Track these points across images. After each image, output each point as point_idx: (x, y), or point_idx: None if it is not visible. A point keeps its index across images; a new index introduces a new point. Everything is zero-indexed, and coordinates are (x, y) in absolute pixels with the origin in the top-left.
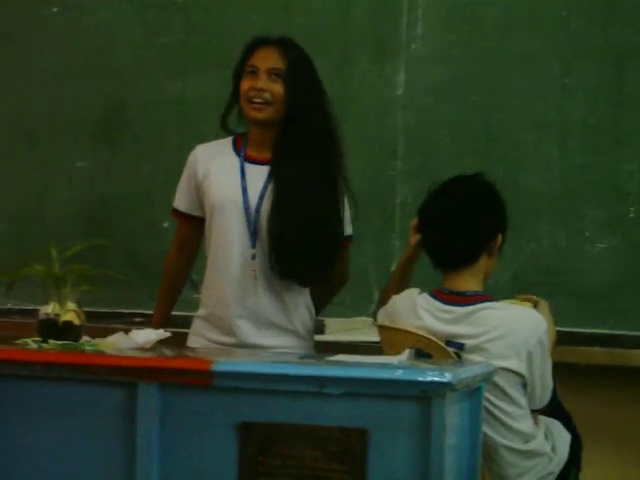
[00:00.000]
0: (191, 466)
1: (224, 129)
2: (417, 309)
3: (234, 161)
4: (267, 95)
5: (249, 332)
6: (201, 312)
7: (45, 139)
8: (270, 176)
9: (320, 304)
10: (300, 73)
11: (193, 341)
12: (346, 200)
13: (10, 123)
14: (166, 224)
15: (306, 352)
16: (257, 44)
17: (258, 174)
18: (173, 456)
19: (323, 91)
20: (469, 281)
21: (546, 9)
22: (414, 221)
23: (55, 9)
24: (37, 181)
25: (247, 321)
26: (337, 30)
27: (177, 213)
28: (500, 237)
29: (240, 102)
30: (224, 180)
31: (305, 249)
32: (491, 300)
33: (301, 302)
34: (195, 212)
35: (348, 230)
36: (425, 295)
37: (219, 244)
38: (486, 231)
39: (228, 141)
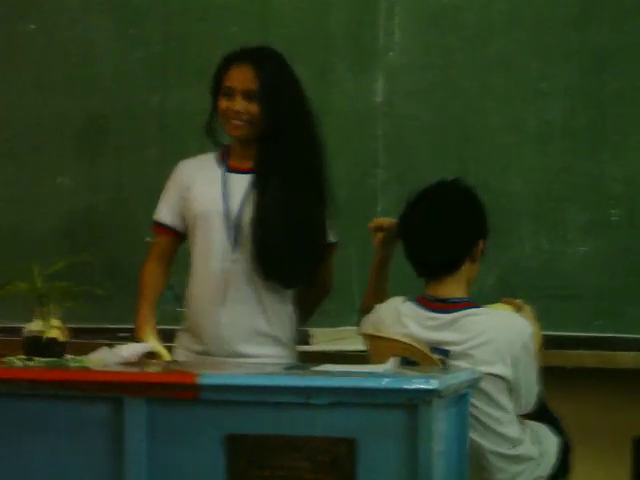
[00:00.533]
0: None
1: (211, 139)
2: (401, 317)
3: (217, 172)
4: (244, 117)
5: (231, 340)
6: (185, 324)
7: (26, 154)
8: (252, 184)
9: (304, 314)
10: (275, 91)
11: (178, 354)
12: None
13: None
14: (149, 238)
15: (291, 362)
16: (231, 61)
17: (240, 182)
18: (162, 470)
19: (302, 97)
20: (453, 288)
21: (523, 13)
22: (372, 222)
23: (33, 26)
24: (18, 197)
25: (230, 328)
26: (315, 40)
27: (160, 226)
28: (482, 242)
29: (221, 120)
30: (206, 190)
31: (287, 250)
32: (475, 306)
33: (284, 310)
34: (178, 225)
35: (331, 237)
36: (409, 303)
37: (201, 253)
38: (467, 238)
39: (211, 155)
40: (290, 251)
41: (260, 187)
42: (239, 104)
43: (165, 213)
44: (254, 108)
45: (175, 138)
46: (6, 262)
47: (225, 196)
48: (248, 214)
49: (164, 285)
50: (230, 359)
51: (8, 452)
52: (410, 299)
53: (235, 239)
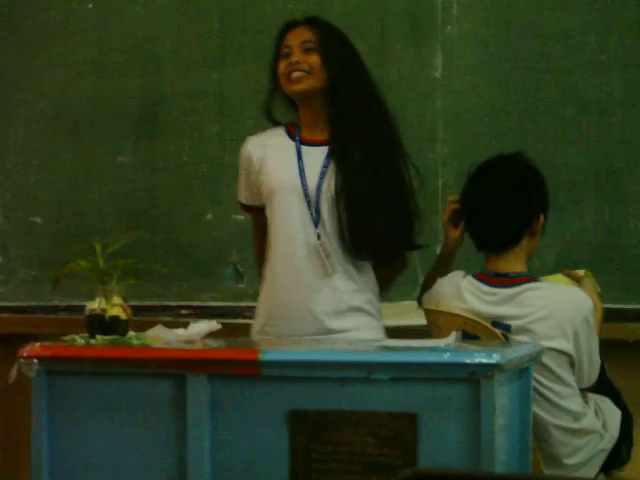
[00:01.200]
0: (243, 456)
1: (269, 120)
2: (462, 292)
3: (289, 145)
4: (304, 66)
5: (323, 317)
6: (263, 307)
7: (86, 134)
8: (329, 156)
9: (382, 288)
10: (333, 42)
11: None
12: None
13: (51, 118)
14: (209, 215)
15: (381, 333)
16: (286, 28)
17: (315, 155)
18: (224, 446)
19: (362, 63)
20: (512, 262)
21: None
22: (447, 213)
23: (90, 5)
24: (79, 176)
25: (320, 305)
26: (372, 15)
27: (245, 207)
28: (542, 217)
29: (282, 86)
30: (280, 165)
31: (378, 224)
32: (535, 280)
33: (369, 282)
34: (259, 203)
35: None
36: (469, 277)
37: (280, 230)
38: (527, 213)
39: (280, 129)
40: (382, 223)
41: (340, 159)
42: (297, 56)
43: (244, 195)
44: (314, 58)
45: (234, 116)
46: (69, 241)
47: (302, 170)
48: (328, 191)
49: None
50: (319, 336)
51: (72, 430)
52: (470, 274)
53: (316, 214)
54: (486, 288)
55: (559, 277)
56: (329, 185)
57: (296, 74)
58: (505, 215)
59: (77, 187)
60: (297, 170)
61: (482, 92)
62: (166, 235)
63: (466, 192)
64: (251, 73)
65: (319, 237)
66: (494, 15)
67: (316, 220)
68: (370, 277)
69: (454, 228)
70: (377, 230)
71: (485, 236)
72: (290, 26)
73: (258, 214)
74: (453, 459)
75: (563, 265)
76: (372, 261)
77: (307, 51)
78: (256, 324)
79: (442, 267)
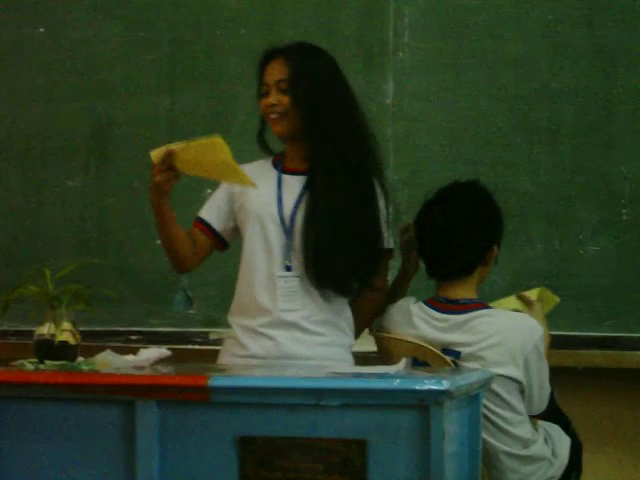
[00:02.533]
0: None
1: (262, 149)
2: (412, 318)
3: (272, 175)
4: (278, 109)
5: (290, 343)
6: (234, 331)
7: (36, 158)
8: (306, 186)
9: (359, 325)
10: (304, 81)
11: (225, 359)
12: (384, 210)
13: (1, 142)
14: (159, 241)
15: (347, 363)
16: (265, 60)
17: (294, 184)
18: (174, 472)
19: (341, 87)
20: (463, 289)
21: (532, 13)
22: (403, 239)
23: (41, 29)
24: (29, 200)
25: (286, 332)
26: (324, 41)
27: (199, 222)
28: (496, 248)
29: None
30: (262, 192)
31: (341, 255)
32: (486, 307)
33: (342, 316)
34: (218, 227)
35: (389, 243)
36: (420, 304)
37: (254, 255)
38: (482, 243)
39: (268, 160)
40: (344, 257)
41: (310, 189)
42: (272, 97)
43: (215, 219)
44: (286, 99)
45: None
46: (18, 265)
47: (280, 198)
48: (300, 219)
49: (187, 241)
50: (281, 361)
51: (19, 455)
52: (421, 300)
53: (290, 243)
54: (437, 314)
55: (512, 300)
56: (300, 215)
57: (272, 117)
58: (459, 245)
59: (27, 211)
60: (275, 198)
61: (433, 119)
62: (116, 260)
63: (421, 218)
64: (202, 98)
65: (288, 268)
66: (446, 42)
67: (288, 249)
68: (342, 313)
69: (411, 253)
70: (336, 260)
71: (437, 264)
72: (268, 58)
73: (209, 238)
74: None
75: (513, 291)
76: (333, 291)
77: (281, 91)
78: (227, 342)
79: (396, 293)
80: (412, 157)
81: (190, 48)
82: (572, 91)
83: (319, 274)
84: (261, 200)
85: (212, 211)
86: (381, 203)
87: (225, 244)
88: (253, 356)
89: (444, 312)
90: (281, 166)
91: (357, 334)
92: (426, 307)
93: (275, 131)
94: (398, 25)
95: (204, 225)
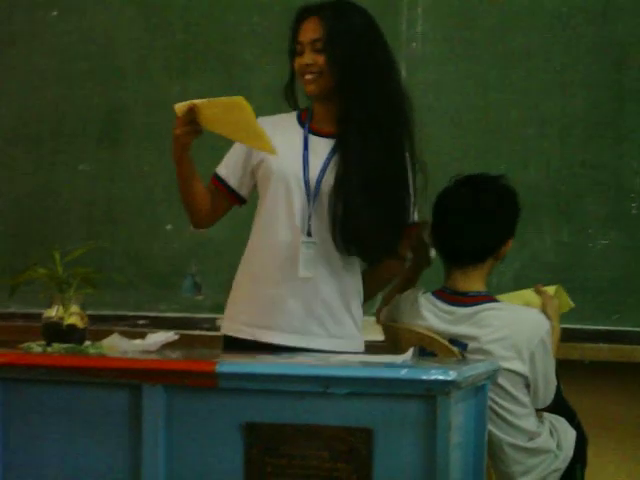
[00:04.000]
0: (197, 467)
1: (288, 101)
2: (420, 309)
3: (298, 133)
4: (314, 68)
5: (303, 317)
6: (241, 293)
7: (47, 142)
8: (334, 149)
9: (369, 292)
10: (340, 41)
11: (231, 329)
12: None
13: (12, 126)
14: (169, 226)
15: (359, 345)
16: (299, 18)
17: (322, 147)
18: (179, 457)
19: (377, 47)
20: (472, 281)
21: (545, 5)
22: (420, 234)
23: (55, 12)
24: (40, 184)
25: (298, 302)
26: None
27: (216, 179)
28: (509, 243)
29: (298, 80)
30: (285, 151)
31: (371, 223)
32: (494, 300)
33: (357, 287)
34: (233, 183)
35: (414, 215)
36: (428, 295)
37: (272, 217)
38: (500, 234)
39: (292, 115)
40: (372, 225)
41: (341, 152)
42: (307, 57)
43: (232, 173)
44: (321, 59)
45: None
46: (27, 248)
47: (305, 160)
48: (328, 184)
49: (206, 197)
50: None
51: (26, 438)
52: (430, 291)
53: (314, 208)
54: (444, 306)
55: (527, 292)
56: (329, 180)
57: (307, 77)
58: (480, 228)
59: (37, 195)
60: (301, 159)
61: (444, 110)
62: (125, 245)
63: (445, 195)
64: (214, 84)
65: (309, 233)
66: (458, 33)
67: (311, 213)
68: (357, 280)
69: (424, 248)
70: (366, 226)
71: (453, 245)
72: (302, 17)
73: (225, 195)
74: (408, 475)
75: (521, 283)
76: (359, 257)
77: (317, 51)
78: (230, 311)
79: (406, 286)
80: (423, 147)
81: (203, 33)
82: (584, 84)
83: (348, 241)
84: (286, 160)
85: (229, 166)
86: (410, 173)
87: (243, 200)
88: (271, 327)
89: (451, 304)
90: (308, 125)
91: (369, 298)
92: (434, 298)
93: (308, 90)
94: (411, 15)
95: (220, 182)
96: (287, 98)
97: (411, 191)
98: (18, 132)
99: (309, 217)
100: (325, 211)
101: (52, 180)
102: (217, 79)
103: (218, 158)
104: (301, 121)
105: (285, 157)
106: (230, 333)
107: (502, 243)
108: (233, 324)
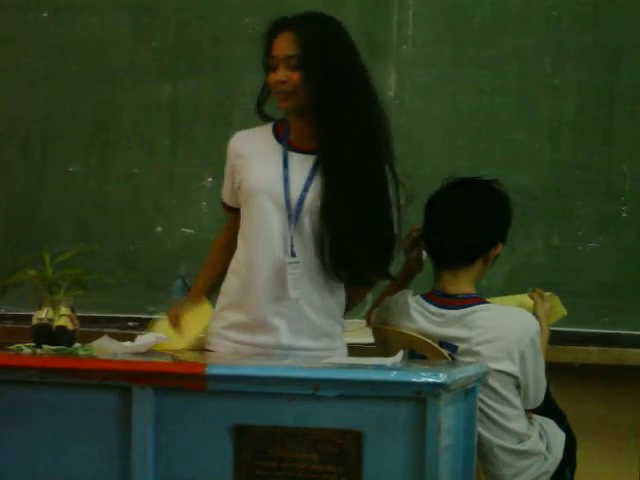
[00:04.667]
0: (186, 470)
1: (260, 116)
2: (410, 311)
3: (275, 148)
4: (287, 87)
5: (285, 332)
6: (225, 314)
7: (37, 143)
8: (315, 167)
9: (347, 305)
10: (316, 56)
11: (216, 344)
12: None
13: (2, 127)
14: (159, 228)
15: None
16: (273, 32)
17: (302, 164)
18: (168, 460)
19: (350, 70)
20: (461, 283)
21: (536, 9)
22: (410, 240)
23: (45, 14)
24: (29, 185)
25: (283, 320)
26: None
27: (224, 205)
28: (500, 246)
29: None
30: (263, 167)
31: (360, 242)
32: (482, 302)
33: (338, 303)
34: (235, 204)
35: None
36: (418, 297)
37: (254, 237)
38: (490, 237)
39: (268, 127)
40: (361, 244)
41: (323, 170)
42: (281, 73)
43: (227, 196)
44: (296, 76)
45: (186, 129)
46: (17, 250)
47: (286, 178)
48: (310, 203)
49: (229, 254)
50: (280, 351)
51: (15, 439)
52: (419, 294)
53: (295, 227)
54: (434, 308)
55: (520, 297)
56: (312, 199)
57: (280, 94)
58: (470, 229)
59: (27, 196)
60: (281, 177)
61: (435, 112)
62: (115, 246)
63: (437, 196)
64: (205, 86)
65: (293, 253)
66: (449, 36)
67: (292, 235)
68: (339, 298)
69: (416, 252)
70: (358, 252)
71: (443, 245)
72: (277, 30)
73: (232, 213)
74: (397, 478)
75: (511, 286)
76: (347, 282)
77: (291, 68)
78: (216, 325)
79: (397, 289)
80: (413, 150)
81: (194, 35)
82: (574, 87)
83: (339, 267)
84: (265, 178)
85: (226, 190)
86: (391, 188)
87: None
88: (255, 343)
89: (441, 306)
90: (286, 141)
91: (346, 310)
92: (423, 301)
93: (282, 107)
94: (402, 18)
95: (230, 209)
96: (260, 115)
97: (394, 208)
98: (7, 133)
99: (291, 237)
100: (306, 230)
101: (42, 181)
102: (208, 80)
103: None
104: (278, 135)
105: (263, 175)
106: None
107: (491, 245)
108: (219, 340)
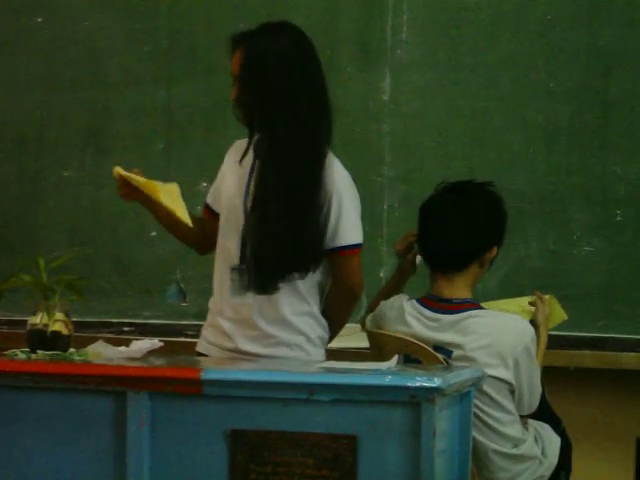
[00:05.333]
0: (182, 474)
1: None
2: (405, 315)
3: (249, 159)
4: (234, 103)
5: (244, 340)
6: (208, 318)
7: (32, 148)
8: (250, 173)
9: (333, 324)
10: (249, 71)
11: (200, 345)
12: (337, 208)
13: None
14: (154, 233)
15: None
16: (231, 49)
17: None
18: (164, 464)
19: (300, 71)
20: (456, 287)
21: (531, 13)
22: (399, 244)
23: (39, 19)
24: (24, 190)
25: (239, 328)
26: (322, 36)
27: (206, 207)
28: (495, 250)
29: None
30: (235, 179)
31: (285, 240)
32: (478, 308)
33: (300, 311)
34: (218, 207)
35: (346, 240)
36: (413, 302)
37: (220, 245)
38: (484, 240)
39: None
40: (286, 240)
41: (256, 185)
42: (234, 92)
43: (210, 196)
44: (233, 92)
45: (180, 133)
46: (12, 255)
47: (247, 186)
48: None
49: (188, 230)
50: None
51: (10, 445)
52: (414, 298)
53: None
54: (428, 313)
55: (521, 300)
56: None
57: (236, 111)
58: (463, 234)
59: (22, 201)
60: (245, 186)
61: (430, 116)
62: (110, 251)
63: (430, 202)
64: (199, 90)
65: (242, 261)
66: (443, 40)
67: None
68: (304, 307)
69: (410, 254)
70: (282, 242)
71: (437, 250)
72: (232, 47)
73: (213, 219)
74: None
75: (506, 290)
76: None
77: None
78: (207, 332)
79: (391, 293)
80: (408, 154)
81: (188, 39)
82: (569, 91)
83: (258, 273)
84: (232, 189)
85: (212, 193)
86: (335, 199)
87: None
88: (224, 347)
89: (436, 311)
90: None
91: (332, 333)
92: (418, 305)
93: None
94: (396, 22)
95: (207, 209)
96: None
97: (323, 217)
98: (2, 138)
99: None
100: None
101: (37, 186)
102: (202, 85)
103: None
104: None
105: (233, 186)
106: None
107: (485, 249)
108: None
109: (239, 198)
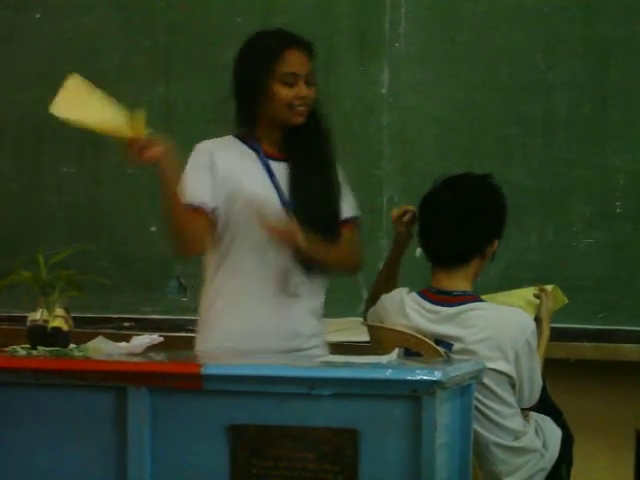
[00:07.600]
0: (183, 470)
1: (249, 130)
2: (405, 308)
3: (252, 158)
4: (309, 102)
5: (299, 334)
6: (222, 322)
7: (31, 144)
8: (291, 172)
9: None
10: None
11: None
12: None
13: None
14: (153, 228)
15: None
16: (285, 46)
17: (281, 171)
18: (165, 460)
19: None
20: (458, 280)
21: (528, 5)
22: (395, 211)
23: (37, 15)
24: (23, 186)
25: (298, 323)
26: (320, 30)
27: (194, 208)
28: (496, 243)
29: (276, 110)
30: (252, 178)
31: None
32: (479, 300)
33: (320, 308)
34: (213, 203)
35: (350, 212)
36: (413, 294)
37: (253, 245)
38: (484, 234)
39: (232, 139)
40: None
41: (296, 175)
42: (304, 90)
43: (208, 194)
44: (313, 93)
45: (179, 129)
46: (11, 251)
47: (277, 186)
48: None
49: (190, 225)
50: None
51: (11, 441)
52: (415, 290)
53: None
54: (429, 305)
55: (525, 291)
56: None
57: (301, 109)
58: (462, 231)
59: (21, 197)
60: (272, 186)
61: (428, 109)
62: (109, 247)
63: (429, 197)
64: (197, 86)
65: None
66: (441, 33)
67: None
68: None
69: (403, 224)
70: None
71: (437, 246)
72: (289, 47)
73: (203, 217)
74: (394, 476)
75: (506, 282)
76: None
77: (309, 85)
78: (211, 339)
79: (388, 274)
80: (407, 147)
81: (185, 35)
82: (567, 83)
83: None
84: (258, 189)
85: (201, 190)
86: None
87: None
88: (257, 350)
89: (436, 303)
90: (260, 150)
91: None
92: (419, 297)
93: (298, 122)
94: (394, 15)
95: (200, 210)
96: (244, 123)
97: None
98: (1, 134)
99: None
100: None
101: (36, 183)
102: (200, 81)
103: None
104: (251, 146)
105: (257, 186)
106: None
107: (487, 243)
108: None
109: (271, 193)
